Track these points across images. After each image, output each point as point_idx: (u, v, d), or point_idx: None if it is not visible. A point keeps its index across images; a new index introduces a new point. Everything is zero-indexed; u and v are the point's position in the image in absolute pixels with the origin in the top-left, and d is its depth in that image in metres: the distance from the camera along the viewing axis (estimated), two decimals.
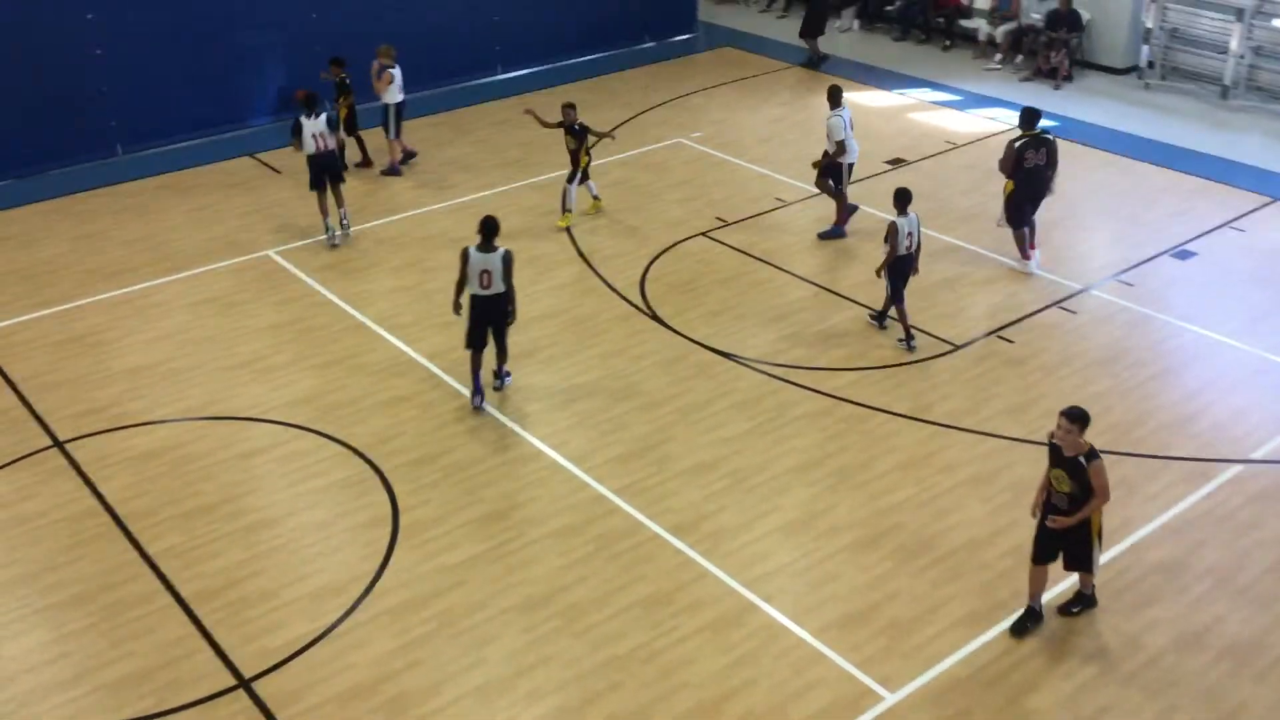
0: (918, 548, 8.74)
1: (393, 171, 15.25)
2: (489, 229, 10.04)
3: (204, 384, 10.85)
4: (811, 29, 19.47)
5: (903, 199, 11.12)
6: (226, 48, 16.39)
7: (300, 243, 13.47)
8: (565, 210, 13.74)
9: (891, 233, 11.05)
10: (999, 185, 14.77)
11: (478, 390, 10.35)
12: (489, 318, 10.15)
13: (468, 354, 10.39)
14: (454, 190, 14.89)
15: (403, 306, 12.14)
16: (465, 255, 10.00)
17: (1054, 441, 7.63)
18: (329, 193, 13.31)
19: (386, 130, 15.16)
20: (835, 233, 13.47)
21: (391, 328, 11.72)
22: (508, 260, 10.00)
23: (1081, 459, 7.51)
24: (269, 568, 8.61)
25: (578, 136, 13.40)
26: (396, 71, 14.86)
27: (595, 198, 13.94)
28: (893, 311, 11.44)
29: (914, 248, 11.17)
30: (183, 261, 13.12)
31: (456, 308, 10.27)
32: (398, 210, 14.32)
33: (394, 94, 14.93)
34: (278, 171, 15.54)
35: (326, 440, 10.02)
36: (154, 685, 7.60)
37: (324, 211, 13.39)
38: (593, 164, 13.98)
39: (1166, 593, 8.33)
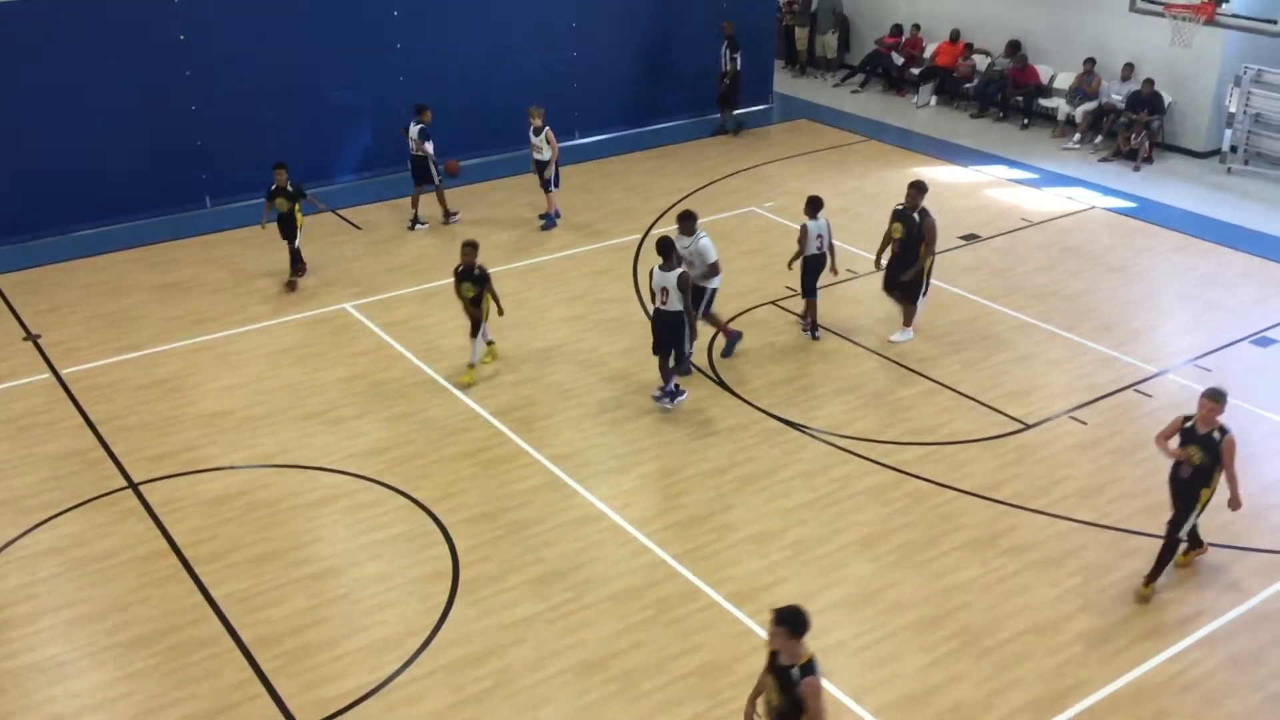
0: (982, 630, 8.55)
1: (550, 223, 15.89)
2: (665, 250, 10.93)
3: (276, 432, 11.06)
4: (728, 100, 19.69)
5: (814, 205, 12.45)
6: (314, 107, 16.93)
7: (375, 297, 13.75)
8: (470, 366, 11.90)
9: (801, 235, 12.50)
10: (1076, 265, 14.70)
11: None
12: (666, 331, 11.10)
13: (526, 415, 10.99)
14: (527, 252, 15.11)
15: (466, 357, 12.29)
16: (650, 274, 11.05)
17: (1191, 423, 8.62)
18: (417, 189, 15.72)
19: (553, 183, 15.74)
20: (732, 342, 12.46)
21: (460, 384, 11.85)
22: (683, 281, 10.86)
23: (1215, 434, 8.49)
24: (330, 617, 8.68)
25: (478, 282, 11.59)
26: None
27: (490, 343, 12.06)
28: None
29: (824, 248, 12.53)
30: (261, 312, 13.45)
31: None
32: None
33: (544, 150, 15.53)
34: (358, 227, 15.92)
35: (392, 492, 10.14)
36: None
37: (413, 203, 15.84)
38: (656, 233, 14.08)
39: (1240, 688, 8.05)
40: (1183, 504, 8.75)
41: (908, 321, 12.63)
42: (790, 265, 12.97)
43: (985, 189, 17.50)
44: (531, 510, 9.91)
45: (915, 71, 22.06)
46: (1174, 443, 8.69)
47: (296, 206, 13.79)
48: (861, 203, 16.80)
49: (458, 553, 9.36)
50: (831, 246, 12.58)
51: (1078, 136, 19.37)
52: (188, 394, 11.75)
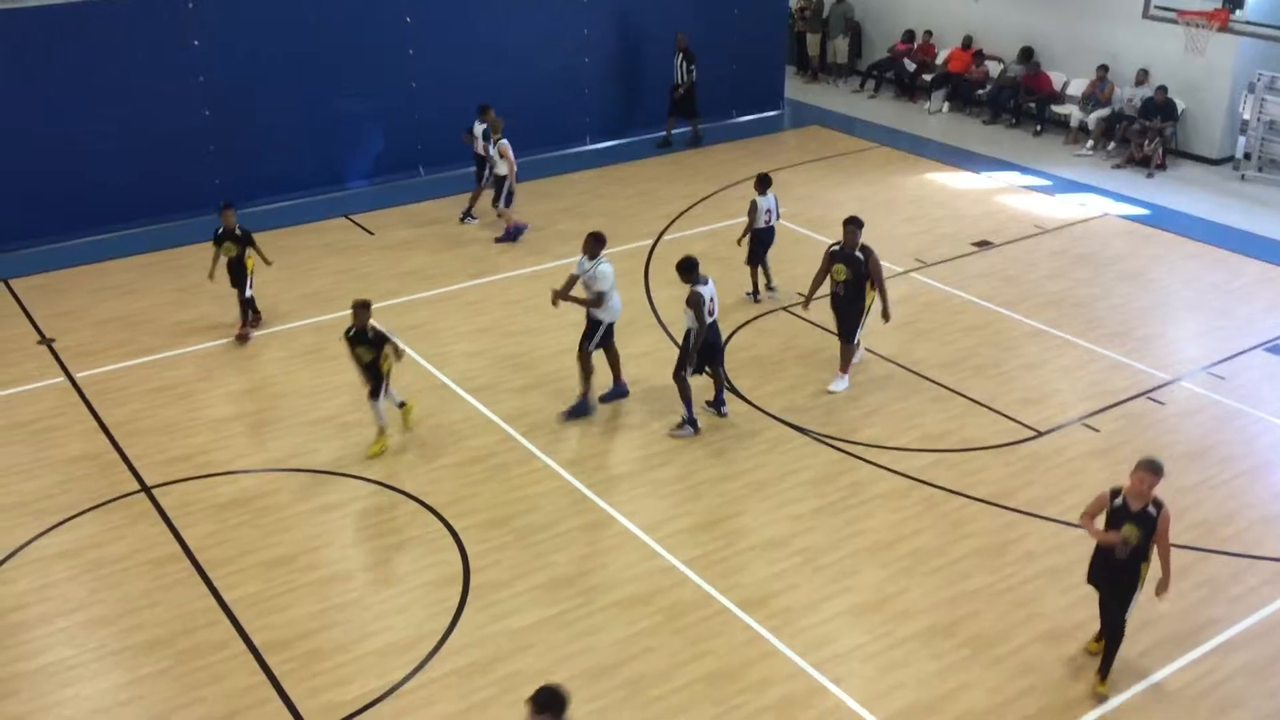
0: (993, 638, 8.52)
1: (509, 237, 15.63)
2: (687, 268, 10.82)
3: (287, 437, 11.09)
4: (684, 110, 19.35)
5: (763, 182, 13.35)
6: (326, 112, 16.98)
7: (386, 302, 13.78)
8: (380, 432, 10.83)
9: (751, 210, 13.32)
10: (1088, 271, 14.66)
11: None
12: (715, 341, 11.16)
13: (556, 414, 11.28)
14: (539, 256, 15.13)
15: (481, 369, 12.32)
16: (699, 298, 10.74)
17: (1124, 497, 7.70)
18: (479, 186, 16.03)
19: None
20: (614, 393, 11.63)
21: (471, 389, 11.89)
22: (692, 300, 10.75)
23: (1151, 509, 7.60)
24: (341, 621, 8.69)
25: (373, 345, 10.56)
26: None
27: (401, 404, 11.07)
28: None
29: (771, 222, 13.43)
30: (274, 317, 13.49)
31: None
32: (481, 274, 14.59)
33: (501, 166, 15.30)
34: (370, 233, 15.97)
35: (402, 497, 10.15)
36: None
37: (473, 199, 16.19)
38: (667, 239, 14.09)
39: (1253, 696, 8.00)
40: (1121, 588, 7.82)
41: (844, 367, 11.83)
42: (740, 241, 13.74)
43: (997, 195, 17.47)
44: (541, 515, 9.92)
45: (928, 78, 22.04)
46: (1100, 522, 7.80)
47: (247, 252, 12.70)
48: (874, 209, 16.77)
49: (468, 558, 9.37)
50: (778, 217, 13.59)
51: (1091, 143, 19.33)
52: (200, 398, 11.80)
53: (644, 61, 19.68)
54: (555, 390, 11.86)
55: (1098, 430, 11.19)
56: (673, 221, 16.19)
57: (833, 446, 10.89)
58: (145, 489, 10.30)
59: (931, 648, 8.42)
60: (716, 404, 11.39)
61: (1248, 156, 18.18)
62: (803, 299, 12.20)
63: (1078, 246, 15.52)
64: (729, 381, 12.01)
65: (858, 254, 11.35)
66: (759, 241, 13.52)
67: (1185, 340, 13.08)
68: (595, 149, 19.01)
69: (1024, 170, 18.53)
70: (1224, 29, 16.88)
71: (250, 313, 13.07)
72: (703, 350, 10.87)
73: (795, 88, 22.96)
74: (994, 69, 21.30)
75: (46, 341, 12.97)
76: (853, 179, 18.05)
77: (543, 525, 9.78)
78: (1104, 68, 19.40)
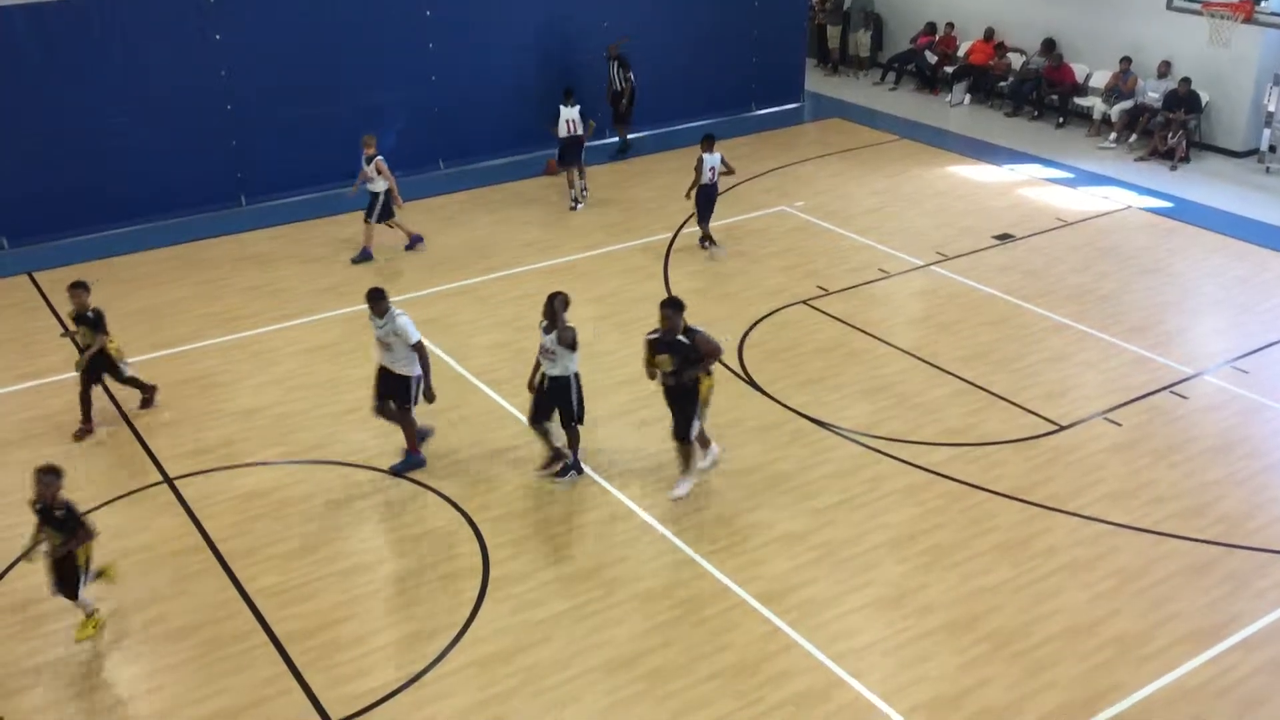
0: (1013, 633, 8.49)
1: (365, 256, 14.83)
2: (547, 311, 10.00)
3: (309, 429, 11.14)
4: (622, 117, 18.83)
5: (709, 140, 14.45)
6: (347, 106, 17.01)
7: (407, 295, 13.82)
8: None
9: (698, 165, 14.41)
10: (1111, 265, 14.57)
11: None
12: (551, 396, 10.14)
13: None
14: (556, 250, 15.14)
15: (501, 361, 12.34)
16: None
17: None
18: (574, 168, 16.26)
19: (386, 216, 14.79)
20: (410, 463, 10.47)
21: (490, 382, 11.91)
22: (563, 337, 9.88)
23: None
24: (361, 612, 8.74)
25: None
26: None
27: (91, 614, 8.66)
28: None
29: (715, 179, 14.45)
30: (296, 310, 13.55)
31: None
32: (498, 269, 14.61)
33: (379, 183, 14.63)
34: (390, 226, 15.99)
35: (423, 489, 10.19)
36: None
37: (570, 184, 16.39)
38: (686, 233, 14.07)
39: (1273, 694, 7.94)
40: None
41: (685, 468, 10.09)
42: (688, 194, 14.78)
43: (1019, 188, 17.37)
44: (560, 508, 9.93)
45: (949, 70, 21.93)
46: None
47: (112, 344, 10.99)
48: (894, 202, 16.72)
49: (487, 550, 9.40)
50: (719, 174, 14.53)
51: (1113, 136, 19.19)
52: (223, 390, 11.86)
53: (661, 54, 19.62)
54: None
55: (1120, 425, 11.12)
56: (692, 215, 16.15)
57: (853, 441, 10.86)
58: (168, 480, 10.37)
59: (952, 642, 8.40)
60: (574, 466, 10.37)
61: (1272, 149, 18.01)
62: (822, 292, 12.13)
63: (1100, 240, 15.42)
64: (748, 373, 11.99)
65: (681, 339, 9.72)
66: (705, 197, 14.65)
67: (1208, 334, 12.98)
68: (611, 143, 18.94)
69: (1046, 163, 18.41)
70: (1249, 20, 16.73)
71: (141, 389, 11.43)
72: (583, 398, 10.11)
73: (815, 80, 22.89)
74: (1016, 61, 21.18)
75: (70, 335, 13.03)
76: (873, 172, 17.98)
77: (562, 518, 9.80)
78: (1127, 60, 19.25)
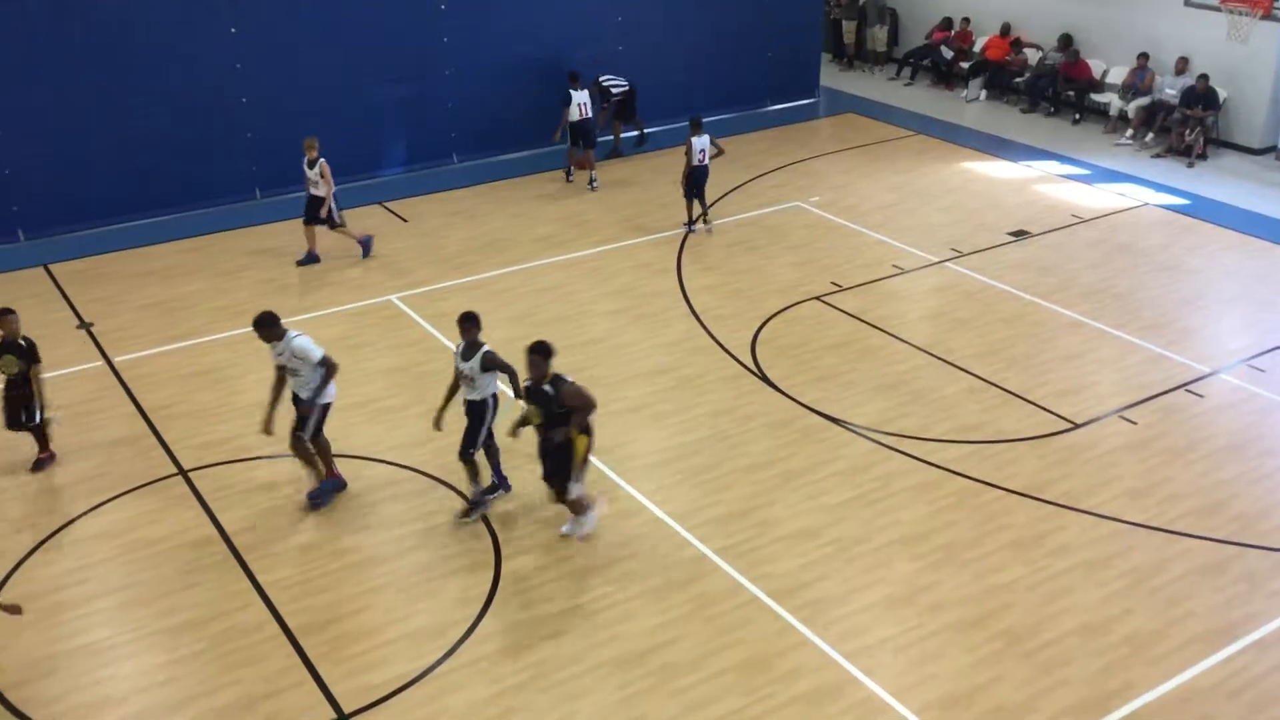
0: (1026, 631, 8.47)
1: (310, 259, 14.58)
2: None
3: None
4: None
5: (697, 124, 14.85)
6: (362, 99, 17.05)
7: (420, 289, 13.84)
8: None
9: (688, 148, 14.77)
10: (1127, 262, 14.49)
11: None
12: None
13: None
14: (570, 245, 15.14)
15: (515, 356, 12.29)
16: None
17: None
18: (585, 152, 16.69)
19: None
20: (326, 489, 9.98)
21: (502, 377, 11.88)
22: (488, 361, 9.39)
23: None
24: (373, 605, 8.76)
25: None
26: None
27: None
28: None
29: (705, 160, 14.80)
30: (309, 303, 13.59)
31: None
32: (512, 263, 14.61)
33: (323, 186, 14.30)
34: (404, 220, 16.04)
35: (435, 483, 10.20)
36: (258, 714, 7.77)
37: (579, 166, 16.90)
38: (700, 227, 14.07)
39: None
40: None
41: (577, 509, 9.37)
42: (684, 179, 15.11)
43: (1035, 185, 17.29)
44: None
45: (965, 65, 21.84)
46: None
47: (34, 371, 10.14)
48: (909, 198, 16.67)
49: (499, 544, 9.41)
50: (710, 157, 14.92)
51: (1130, 132, 19.09)
52: (235, 383, 11.90)
53: (676, 49, 19.59)
54: (588, 378, 11.80)
55: (1135, 423, 11.07)
56: (707, 210, 16.13)
57: (865, 437, 10.84)
58: (182, 472, 10.41)
59: (964, 640, 8.38)
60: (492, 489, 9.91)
61: None
62: (836, 287, 12.07)
63: (1116, 237, 15.35)
64: (761, 369, 11.98)
65: (546, 388, 8.89)
66: (694, 177, 14.95)
67: (1225, 332, 12.91)
68: (627, 136, 18.91)
69: (1062, 159, 18.33)
70: (1267, 16, 16.63)
71: (43, 446, 10.44)
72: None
73: (831, 75, 22.83)
74: (1032, 56, 21.07)
75: (86, 326, 13.13)
76: (887, 167, 17.93)
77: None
78: (1144, 56, 19.14)
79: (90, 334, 12.97)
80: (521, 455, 10.05)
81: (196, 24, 15.71)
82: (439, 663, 8.19)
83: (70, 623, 8.62)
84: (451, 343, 12.53)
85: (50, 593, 8.90)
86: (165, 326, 13.07)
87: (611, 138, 18.49)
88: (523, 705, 7.83)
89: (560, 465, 9.03)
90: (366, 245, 14.82)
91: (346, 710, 7.79)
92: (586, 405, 8.86)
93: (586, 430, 8.97)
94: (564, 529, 9.47)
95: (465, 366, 9.36)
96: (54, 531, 9.63)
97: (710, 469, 10.39)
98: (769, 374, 11.95)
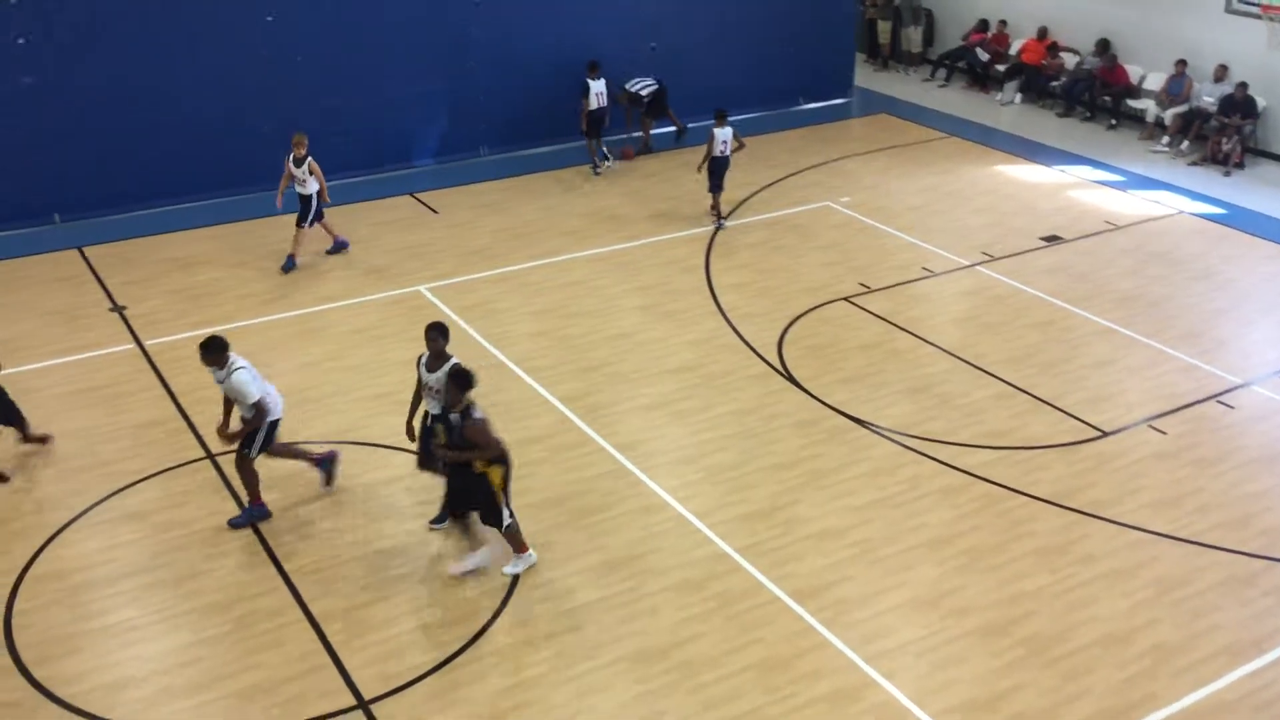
0: (1050, 639, 8.40)
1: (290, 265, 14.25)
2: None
3: (346, 410, 11.21)
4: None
5: (722, 114, 15.10)
6: (393, 91, 17.09)
7: (449, 280, 13.88)
8: None
9: (710, 140, 15.07)
10: (1161, 270, 14.36)
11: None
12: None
13: (593, 403, 10.59)
14: (597, 240, 15.14)
15: (541, 349, 12.36)
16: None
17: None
18: (598, 139, 17.07)
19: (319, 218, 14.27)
20: (249, 518, 9.58)
21: (530, 369, 11.93)
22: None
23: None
24: (395, 594, 8.79)
25: None
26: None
27: None
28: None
29: (727, 152, 15.12)
30: (337, 292, 13.65)
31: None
32: (541, 256, 14.63)
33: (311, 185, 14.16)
34: (435, 211, 16.08)
35: None
36: (278, 698, 7.82)
37: (592, 151, 17.21)
38: (731, 223, 14.00)
39: None
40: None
41: (517, 548, 9.01)
42: (700, 169, 15.33)
43: (1069, 190, 17.15)
44: (595, 497, 9.94)
45: (1001, 68, 21.69)
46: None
47: None
48: (940, 200, 16.57)
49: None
50: (732, 149, 15.19)
51: (1166, 139, 18.90)
52: (263, 369, 11.77)
53: (711, 46, 19.55)
54: (614, 373, 11.88)
55: (1164, 433, 10.96)
56: (736, 208, 16.12)
57: (892, 439, 10.79)
58: (209, 456, 10.48)
59: (986, 646, 8.32)
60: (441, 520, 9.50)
61: None
62: (865, 289, 11.99)
63: (1150, 244, 15.20)
64: (787, 368, 11.94)
65: (453, 416, 8.49)
66: (714, 167, 15.20)
67: (1259, 344, 12.76)
68: (655, 134, 18.86)
69: (1097, 165, 18.17)
70: None
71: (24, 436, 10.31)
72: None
73: (865, 75, 22.71)
74: (1069, 61, 20.90)
75: (118, 309, 13.24)
76: (920, 169, 17.83)
77: (597, 507, 9.81)
78: (1182, 62, 18.94)
79: (122, 317, 13.08)
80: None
81: (232, 12, 15.81)
82: (459, 652, 8.21)
83: (97, 602, 8.69)
84: (479, 335, 12.58)
85: (77, 571, 8.99)
86: (196, 311, 13.16)
87: (641, 134, 18.47)
88: (541, 697, 7.84)
89: (482, 495, 8.66)
90: (341, 245, 14.58)
91: (366, 697, 7.83)
92: (486, 446, 8.46)
93: (501, 460, 8.59)
94: (505, 569, 8.94)
95: (431, 379, 8.94)
96: (83, 510, 9.72)
97: (734, 467, 10.37)
98: (795, 374, 11.91)
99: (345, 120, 16.81)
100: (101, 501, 9.84)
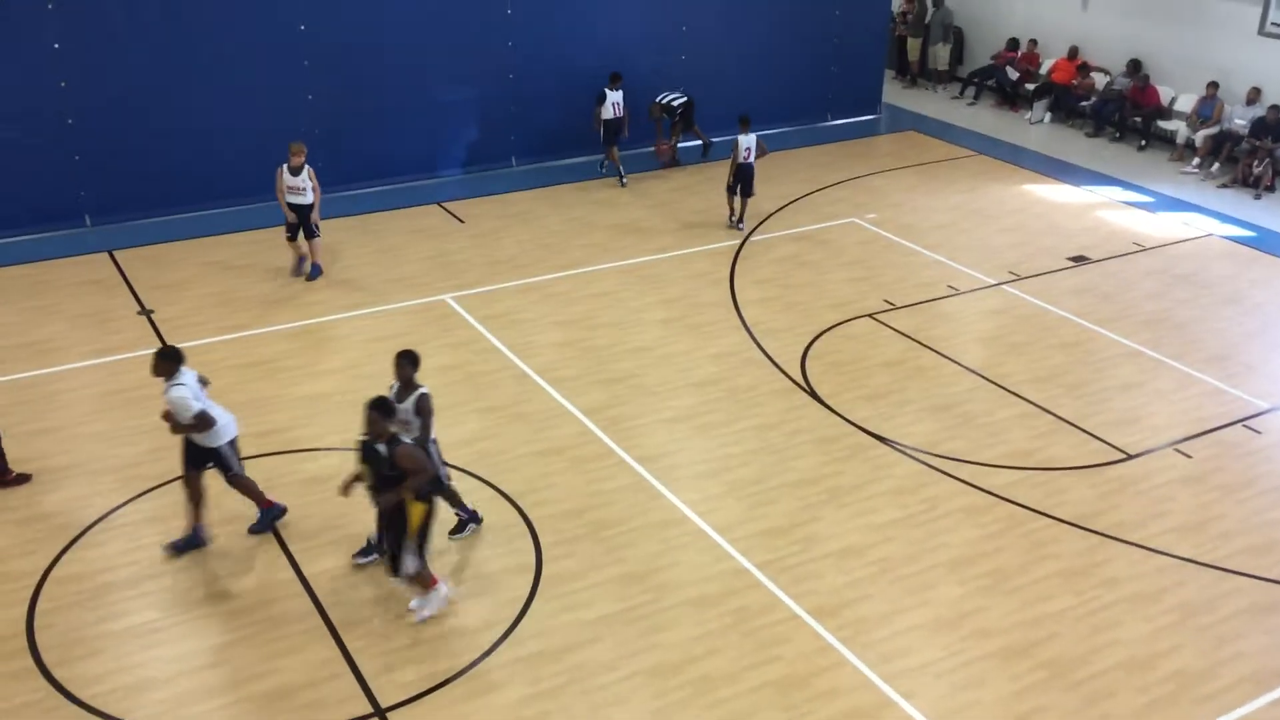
0: (1071, 662, 8.33)
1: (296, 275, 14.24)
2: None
3: None
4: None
5: (746, 122, 15.53)
6: (425, 101, 17.19)
7: (474, 290, 13.93)
8: None
9: (734, 147, 15.44)
10: (1189, 293, 14.25)
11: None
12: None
13: (616, 415, 10.51)
14: (624, 251, 15.16)
15: (565, 360, 12.38)
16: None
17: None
18: (614, 148, 17.29)
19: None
20: (190, 542, 9.30)
21: (553, 380, 11.95)
22: (421, 404, 8.85)
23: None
24: None
25: None
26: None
27: None
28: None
29: (751, 158, 15.44)
30: (364, 299, 13.72)
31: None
32: (567, 267, 14.66)
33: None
34: (461, 221, 16.15)
35: (480, 483, 10.25)
36: (297, 703, 7.84)
37: (611, 159, 17.41)
38: (757, 238, 14.01)
39: None
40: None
41: (418, 585, 8.60)
42: (730, 182, 15.65)
43: (1097, 210, 17.06)
44: (616, 510, 9.94)
45: (1030, 87, 21.62)
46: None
47: None
48: (966, 218, 16.51)
49: (541, 547, 9.42)
50: (756, 156, 15.52)
51: (1197, 161, 18.78)
52: (288, 375, 12.04)
53: (740, 61, 19.58)
54: (637, 385, 11.89)
55: (1190, 456, 10.87)
56: (762, 222, 16.13)
57: (914, 458, 10.74)
58: None
59: (1007, 668, 8.26)
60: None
61: None
62: (890, 306, 11.94)
63: (1178, 266, 15.10)
64: (810, 384, 11.91)
65: (379, 447, 8.09)
66: (741, 174, 15.52)
67: None
68: (683, 147, 18.89)
69: (1126, 185, 18.07)
70: None
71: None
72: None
73: (893, 92, 22.70)
74: (1100, 81, 20.81)
75: (146, 312, 13.36)
76: (948, 187, 17.78)
77: (617, 520, 9.80)
78: (1214, 84, 18.84)
79: (150, 320, 13.19)
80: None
81: (267, 20, 15.96)
82: (476, 662, 8.22)
83: (118, 604, 8.75)
84: (504, 344, 12.61)
85: (100, 573, 9.06)
86: (222, 316, 13.26)
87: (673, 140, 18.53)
88: (559, 709, 7.83)
89: (396, 536, 8.27)
90: (316, 271, 14.18)
91: (384, 705, 7.84)
92: (419, 470, 8.07)
93: (425, 498, 8.25)
94: (411, 604, 8.60)
95: (400, 408, 8.64)
96: (107, 512, 9.79)
97: (756, 482, 10.35)
98: (818, 390, 11.88)
99: (379, 127, 16.92)
100: (125, 504, 9.92)
